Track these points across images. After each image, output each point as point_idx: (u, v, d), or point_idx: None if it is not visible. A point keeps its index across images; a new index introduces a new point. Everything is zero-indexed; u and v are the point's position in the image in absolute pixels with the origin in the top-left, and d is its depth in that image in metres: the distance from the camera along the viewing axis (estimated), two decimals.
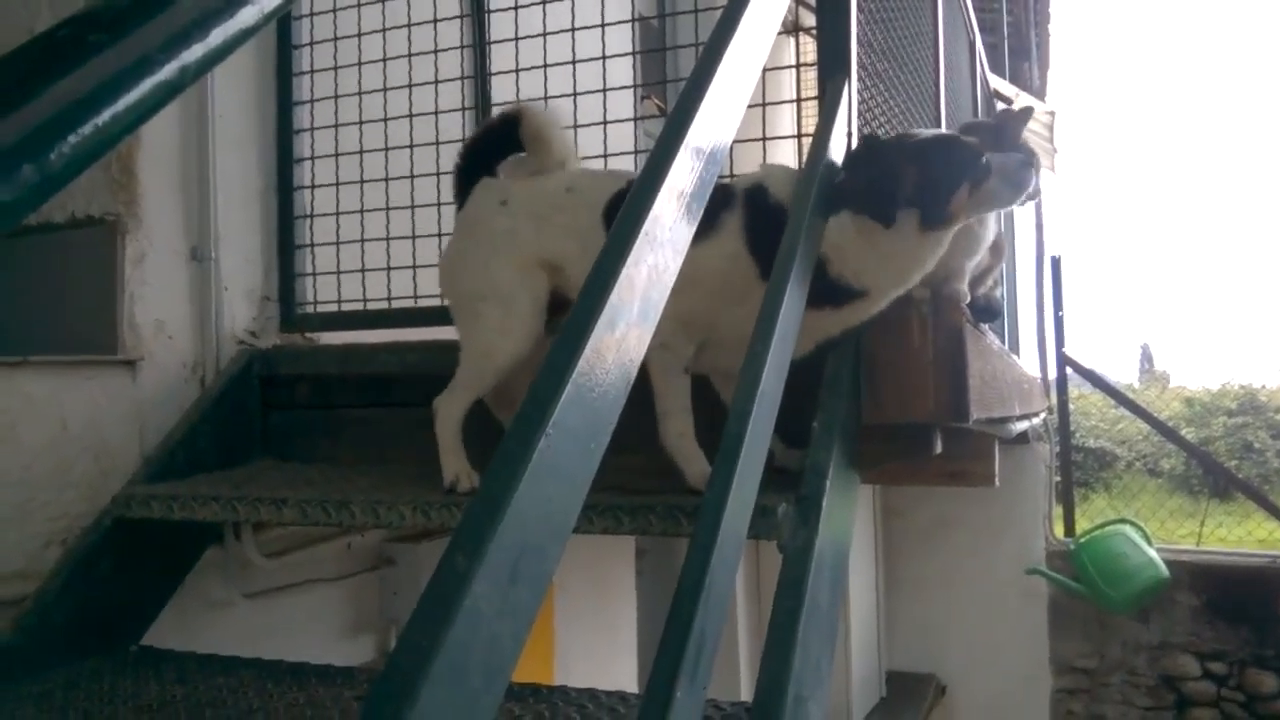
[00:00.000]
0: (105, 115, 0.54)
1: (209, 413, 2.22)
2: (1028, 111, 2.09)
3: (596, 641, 3.84)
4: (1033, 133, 6.60)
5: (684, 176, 1.11)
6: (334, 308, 2.51)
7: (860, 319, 1.71)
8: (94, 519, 1.96)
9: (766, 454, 1.31)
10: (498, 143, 1.97)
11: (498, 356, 1.84)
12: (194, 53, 0.60)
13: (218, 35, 0.62)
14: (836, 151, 1.76)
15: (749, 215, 1.72)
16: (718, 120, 1.23)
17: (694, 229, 1.14)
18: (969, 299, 1.91)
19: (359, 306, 2.49)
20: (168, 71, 0.58)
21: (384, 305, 2.48)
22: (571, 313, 0.92)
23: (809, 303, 1.60)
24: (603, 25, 2.37)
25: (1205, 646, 5.85)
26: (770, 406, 1.34)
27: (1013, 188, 1.71)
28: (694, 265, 1.65)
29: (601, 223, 1.79)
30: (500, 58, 2.65)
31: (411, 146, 2.48)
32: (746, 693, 1.28)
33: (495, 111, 2.34)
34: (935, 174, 1.64)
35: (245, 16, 0.65)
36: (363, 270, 2.49)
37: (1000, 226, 2.15)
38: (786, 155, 2.76)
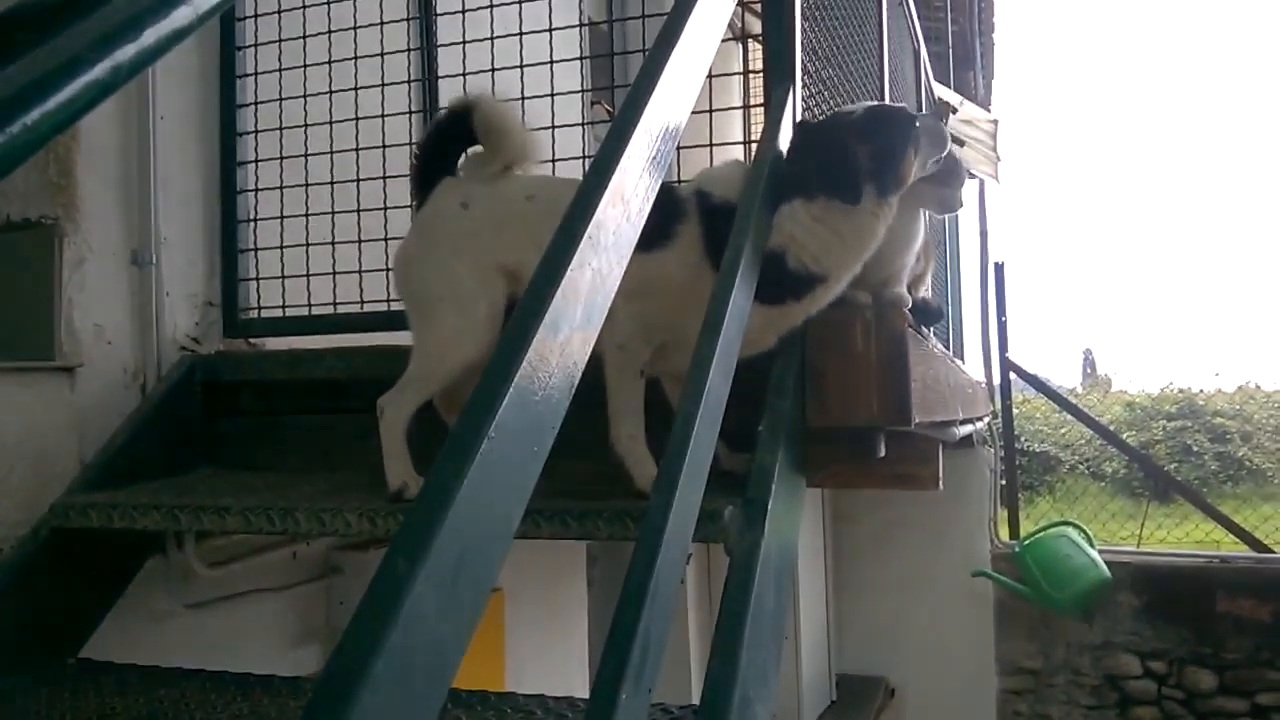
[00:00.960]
0: (35, 113, 0.54)
1: (150, 420, 2.18)
2: (944, 106, 2.21)
3: (548, 649, 3.83)
4: (976, 141, 6.70)
5: (628, 181, 1.12)
6: (279, 313, 2.48)
7: (821, 305, 1.75)
8: (31, 529, 1.92)
9: (712, 457, 1.32)
10: (453, 137, 1.95)
11: (451, 359, 1.82)
12: (126, 52, 0.60)
13: (151, 35, 0.62)
14: (782, 154, 1.78)
15: (705, 224, 1.73)
16: (663, 125, 1.24)
17: (639, 234, 1.15)
18: (910, 303, 1.94)
19: (304, 312, 2.47)
20: (99, 70, 0.58)
21: (329, 310, 2.45)
22: (514, 316, 0.93)
23: (770, 300, 1.62)
24: (550, 29, 2.37)
25: (1146, 646, 5.97)
26: (716, 409, 1.35)
27: (937, 142, 1.82)
28: (655, 274, 1.67)
29: None
30: (447, 61, 2.65)
31: (357, 150, 2.46)
32: (697, 695, 1.29)
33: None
34: (885, 144, 1.72)
35: (180, 16, 0.65)
36: (308, 275, 2.46)
37: (928, 230, 2.20)
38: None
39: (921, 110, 4.31)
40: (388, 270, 2.14)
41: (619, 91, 2.58)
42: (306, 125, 2.48)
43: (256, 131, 2.53)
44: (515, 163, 1.94)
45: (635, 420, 1.72)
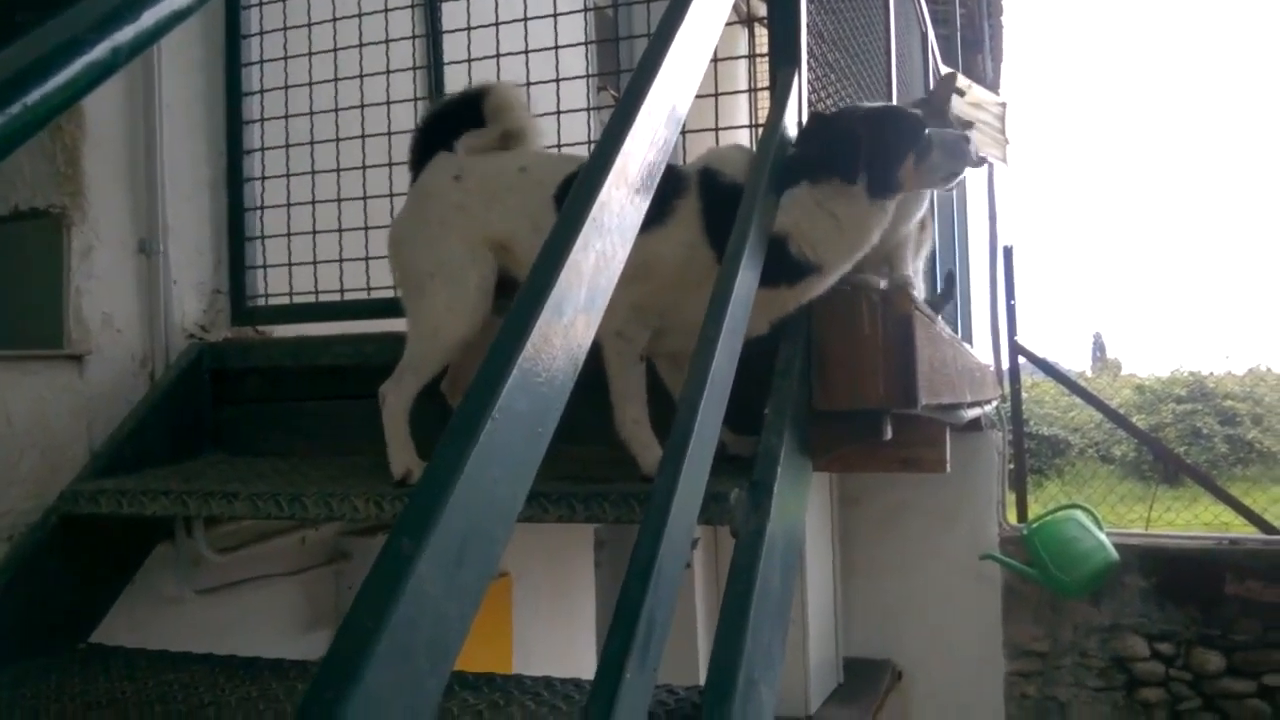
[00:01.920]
0: (35, 95, 0.54)
1: (158, 407, 2.19)
2: (951, 78, 2.13)
3: (556, 633, 3.85)
4: (985, 124, 6.67)
5: (633, 163, 1.12)
6: (285, 300, 2.49)
7: (811, 296, 1.74)
8: (41, 515, 1.93)
9: (718, 440, 1.32)
10: (459, 117, 1.96)
11: (444, 337, 1.82)
12: (125, 34, 0.60)
13: (150, 16, 0.62)
14: (788, 137, 1.77)
15: (705, 201, 1.73)
16: (667, 108, 1.24)
17: (643, 216, 1.15)
18: (915, 287, 1.94)
19: (311, 299, 2.47)
20: (99, 51, 0.58)
21: (336, 297, 2.46)
22: (518, 297, 0.93)
23: (765, 282, 1.62)
24: (555, 14, 2.37)
25: (1154, 627, 5.97)
26: (721, 392, 1.35)
27: (952, 159, 1.76)
28: (650, 254, 1.66)
29: (553, 204, 1.78)
30: (453, 47, 2.64)
31: (363, 137, 2.46)
32: (703, 677, 1.30)
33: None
34: (884, 142, 1.68)
35: None
36: (314, 262, 2.47)
37: (931, 207, 2.19)
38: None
39: (929, 87, 4.29)
40: None
41: (624, 76, 2.58)
42: (312, 113, 2.48)
43: (263, 120, 2.53)
44: (514, 141, 1.94)
45: (639, 405, 1.72)
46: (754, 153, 1.78)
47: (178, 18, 0.65)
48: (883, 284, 1.94)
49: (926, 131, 1.72)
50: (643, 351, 1.75)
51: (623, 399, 1.71)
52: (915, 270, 2.16)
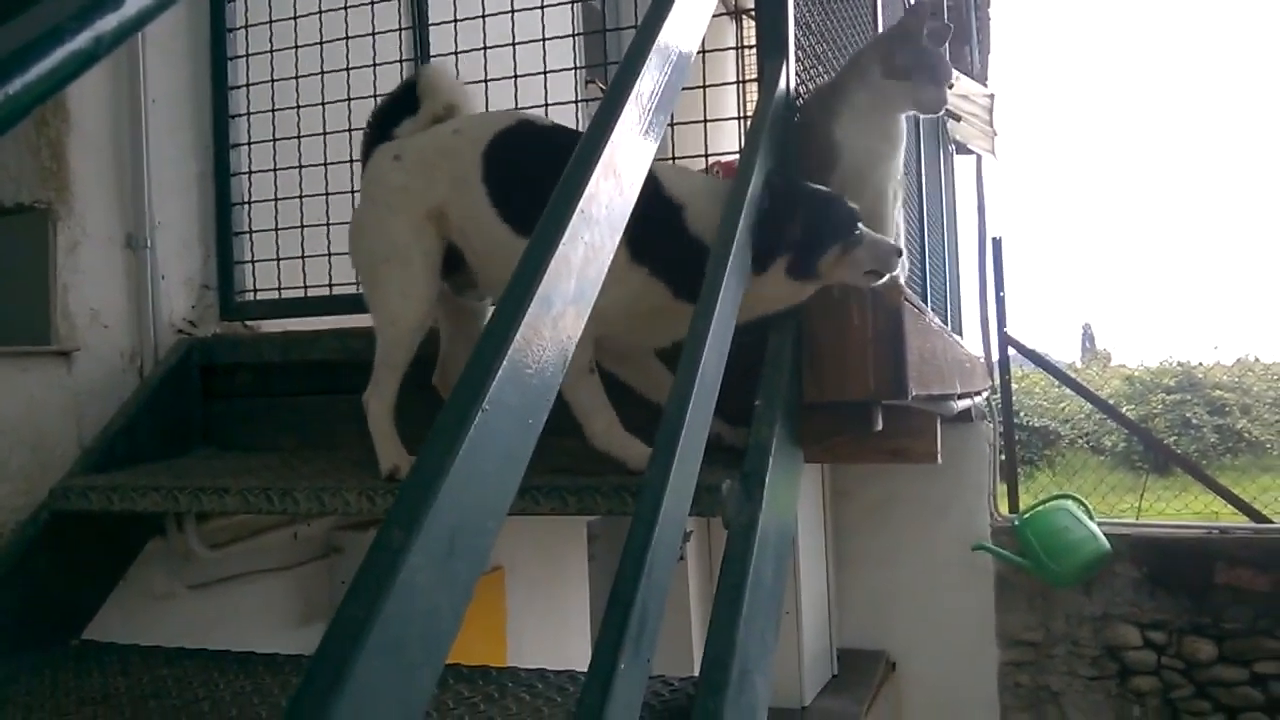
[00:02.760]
0: (16, 84, 0.54)
1: (148, 403, 2.18)
2: (923, 6, 2.01)
3: (550, 626, 3.85)
4: (972, 115, 6.68)
5: (620, 154, 1.11)
6: (274, 295, 2.48)
7: None
8: (31, 512, 1.92)
9: (713, 433, 1.32)
10: (401, 108, 1.95)
11: (403, 322, 1.81)
12: (108, 22, 0.60)
13: (133, 4, 0.61)
14: (778, 128, 1.77)
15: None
16: (655, 98, 1.23)
17: (631, 207, 1.15)
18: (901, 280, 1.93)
19: (300, 294, 2.47)
20: (81, 40, 0.58)
21: (325, 292, 2.45)
22: (506, 290, 0.93)
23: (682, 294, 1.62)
24: (542, 6, 2.36)
25: (1146, 617, 6.00)
26: (712, 385, 1.36)
27: (876, 262, 1.68)
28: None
29: (481, 161, 1.77)
30: (439, 40, 2.63)
31: (350, 130, 2.45)
32: (698, 669, 1.30)
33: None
34: (815, 229, 1.64)
35: None
36: (303, 256, 2.46)
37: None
38: (730, 137, 2.78)
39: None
40: None
41: (612, 69, 2.57)
42: (299, 106, 2.47)
43: (249, 114, 2.52)
44: (448, 113, 1.93)
45: (604, 412, 1.69)
46: (691, 173, 1.76)
47: (161, 6, 0.65)
48: None
49: (858, 230, 1.67)
50: (591, 364, 1.71)
51: (587, 413, 1.68)
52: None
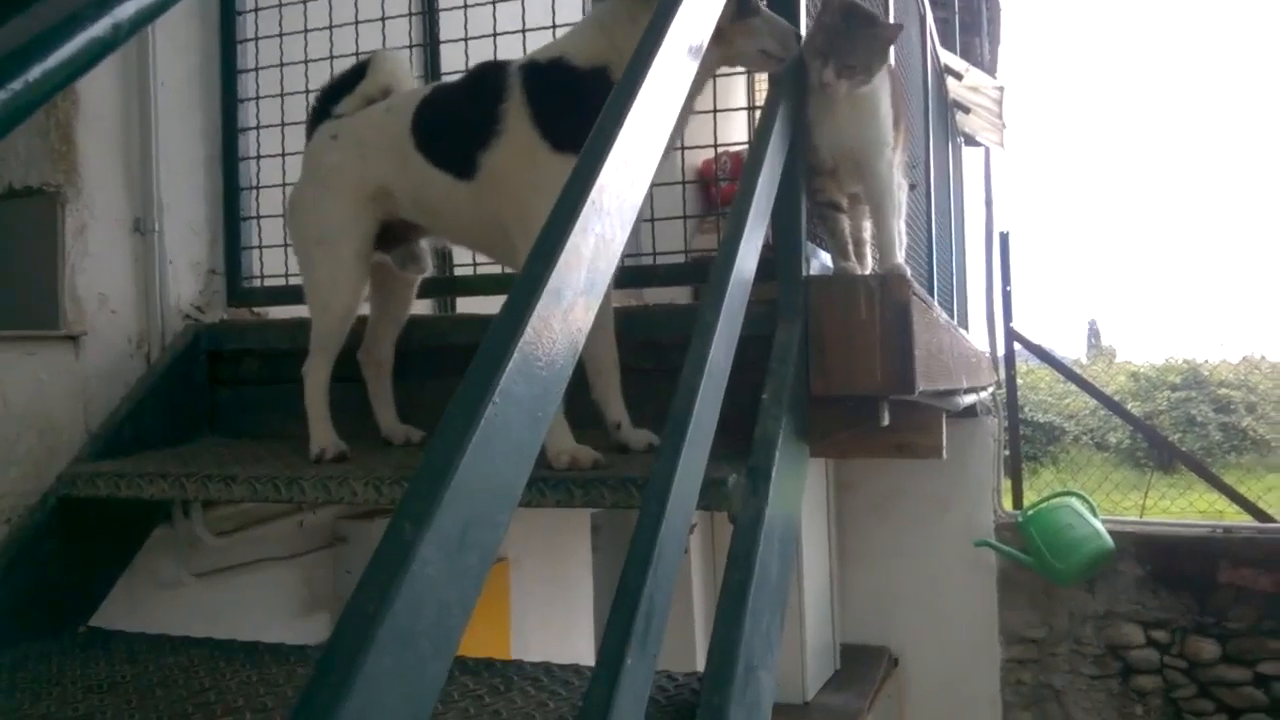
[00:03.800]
0: (36, 71, 0.53)
1: (155, 389, 2.18)
2: None
3: (554, 619, 3.85)
4: (981, 108, 6.65)
5: (632, 144, 1.11)
6: (281, 281, 2.47)
7: None
8: (39, 498, 1.92)
9: (715, 426, 1.32)
10: (345, 89, 2.00)
11: (333, 309, 1.89)
12: (126, 9, 0.59)
13: None
14: (788, 118, 1.76)
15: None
16: (669, 86, 1.23)
17: (642, 198, 1.14)
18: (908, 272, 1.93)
19: None
20: (99, 28, 0.57)
21: None
22: (517, 281, 0.92)
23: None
24: None
25: (1149, 615, 5.99)
26: (720, 376, 1.35)
27: (779, 36, 1.75)
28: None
29: (409, 134, 1.82)
30: (449, 26, 2.62)
31: None
32: (702, 664, 1.30)
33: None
34: None
35: None
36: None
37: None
38: (739, 127, 2.76)
39: (927, 71, 4.27)
40: None
41: None
42: (308, 91, 2.46)
43: (258, 98, 2.51)
44: (382, 95, 1.97)
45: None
46: None
47: None
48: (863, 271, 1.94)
49: (763, 6, 1.73)
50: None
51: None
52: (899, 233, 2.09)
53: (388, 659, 0.64)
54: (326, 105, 2.01)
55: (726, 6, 1.59)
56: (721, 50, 1.70)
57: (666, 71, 1.22)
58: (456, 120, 1.80)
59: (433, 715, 1.38)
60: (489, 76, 1.77)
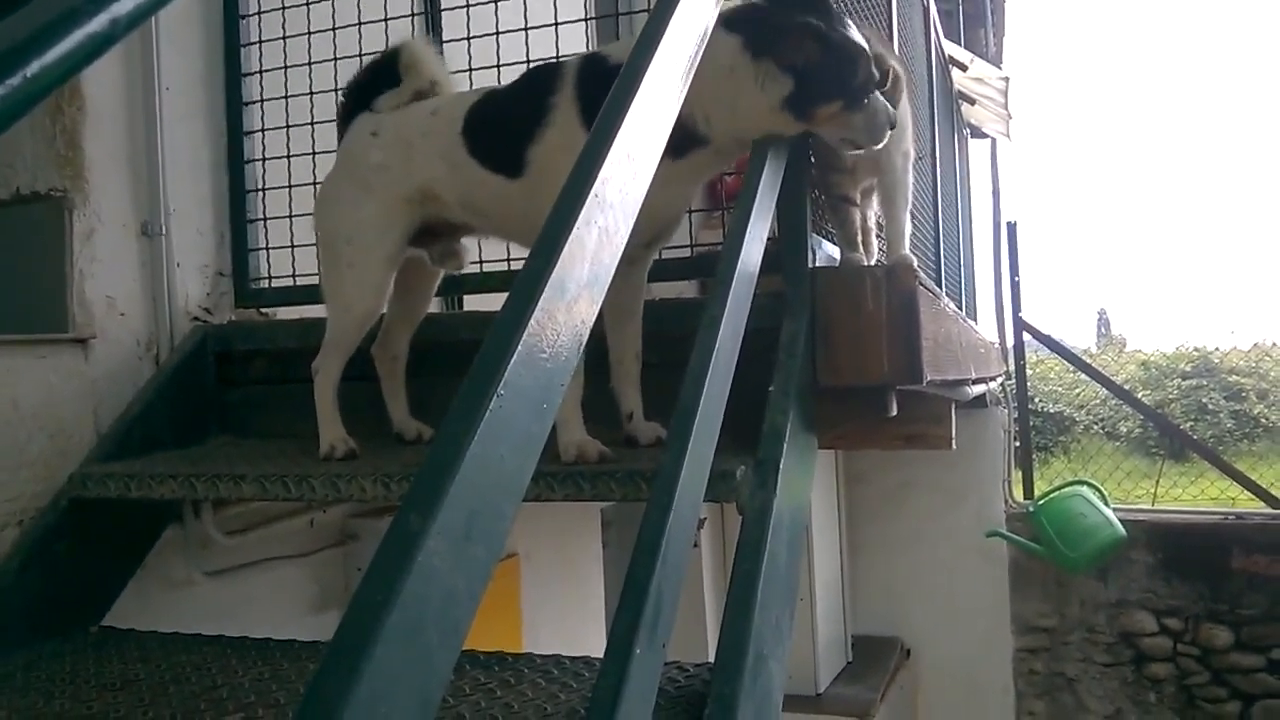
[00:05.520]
0: (34, 65, 0.54)
1: (164, 390, 2.19)
2: None
3: (565, 613, 3.86)
4: (987, 99, 6.63)
5: (634, 137, 1.11)
6: (289, 282, 2.48)
7: (699, 175, 1.76)
8: (50, 499, 1.94)
9: (723, 418, 1.32)
10: (380, 80, 1.97)
11: (356, 312, 1.87)
12: (124, 4, 0.59)
13: None
14: None
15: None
16: (670, 79, 1.23)
17: (645, 192, 1.14)
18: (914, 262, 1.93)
19: (315, 280, 2.46)
20: (97, 23, 0.58)
21: None
22: (520, 274, 0.93)
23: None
24: None
25: (1161, 603, 5.98)
26: (726, 367, 1.35)
27: (868, 131, 1.65)
28: None
29: (461, 139, 1.79)
30: (452, 25, 2.63)
31: None
32: (713, 655, 1.31)
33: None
34: (830, 72, 1.57)
35: None
36: (318, 243, 2.46)
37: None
38: None
39: (931, 63, 4.26)
40: None
41: None
42: (312, 93, 2.47)
43: (262, 100, 2.52)
44: (431, 95, 1.95)
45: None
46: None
47: None
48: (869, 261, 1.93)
49: (870, 96, 1.62)
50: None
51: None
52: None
53: (395, 649, 0.64)
54: (362, 97, 1.97)
55: (831, 106, 1.57)
56: (803, 128, 1.65)
57: (670, 62, 1.22)
58: (510, 121, 1.77)
59: (445, 708, 1.39)
60: (543, 75, 1.76)
